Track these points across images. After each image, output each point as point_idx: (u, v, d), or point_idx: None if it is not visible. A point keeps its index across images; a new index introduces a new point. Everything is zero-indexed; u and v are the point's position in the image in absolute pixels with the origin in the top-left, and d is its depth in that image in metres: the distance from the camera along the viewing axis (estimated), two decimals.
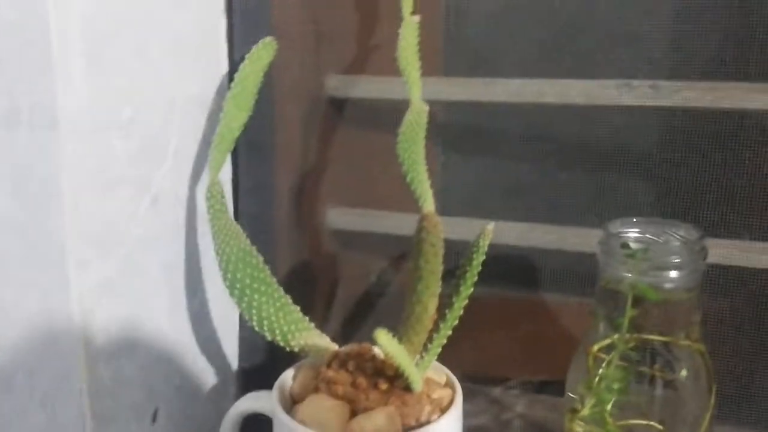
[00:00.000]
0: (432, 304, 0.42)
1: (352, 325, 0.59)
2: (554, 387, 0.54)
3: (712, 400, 0.40)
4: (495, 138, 0.52)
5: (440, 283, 0.42)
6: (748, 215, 0.50)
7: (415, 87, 0.46)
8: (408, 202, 0.57)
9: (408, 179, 0.44)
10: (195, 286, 0.53)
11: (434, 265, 0.42)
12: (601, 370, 0.41)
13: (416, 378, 0.41)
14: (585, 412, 0.41)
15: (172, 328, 0.50)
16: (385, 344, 0.38)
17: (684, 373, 0.40)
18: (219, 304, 0.56)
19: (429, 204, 0.45)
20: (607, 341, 0.42)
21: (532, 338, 0.53)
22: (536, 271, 0.53)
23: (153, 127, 0.47)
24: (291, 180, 0.57)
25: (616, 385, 0.40)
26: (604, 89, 0.49)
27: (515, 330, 0.54)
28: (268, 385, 0.49)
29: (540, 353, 0.53)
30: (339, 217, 0.58)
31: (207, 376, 0.56)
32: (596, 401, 0.41)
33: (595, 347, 0.42)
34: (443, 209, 0.57)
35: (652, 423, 0.41)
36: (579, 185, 0.51)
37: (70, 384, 0.43)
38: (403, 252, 0.57)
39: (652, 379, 0.41)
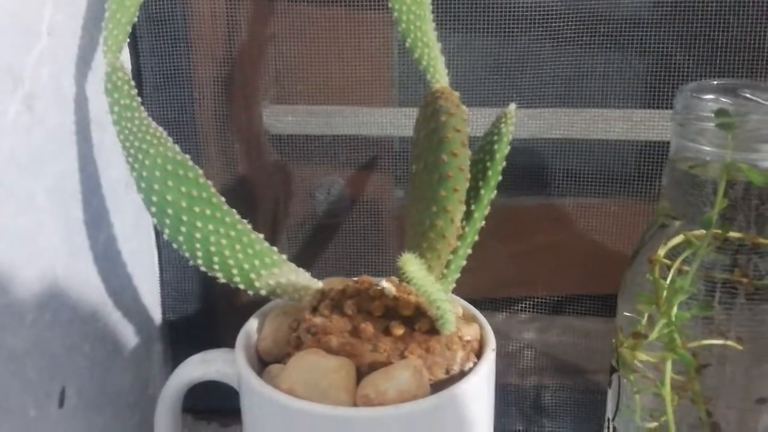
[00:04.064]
0: (459, 214, 0.30)
1: (308, 258, 0.46)
2: (573, 306, 0.44)
3: None
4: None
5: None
6: None
7: None
8: (364, 93, 0.44)
9: (407, 43, 0.32)
10: (98, 217, 0.40)
11: (462, 158, 0.30)
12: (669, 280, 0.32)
13: (450, 317, 0.30)
14: (653, 335, 0.32)
15: (71, 277, 0.37)
16: (415, 275, 0.27)
17: None
18: (131, 239, 0.43)
19: (441, 76, 0.32)
20: (675, 242, 0.33)
21: (541, 249, 0.43)
22: (539, 167, 0.43)
23: None
24: (214, 68, 0.43)
25: (696, 299, 0.31)
26: None
27: (518, 241, 0.44)
28: (204, 342, 0.37)
29: (553, 267, 0.44)
30: (281, 117, 0.45)
31: (124, 335, 0.42)
32: (667, 321, 0.32)
33: (662, 252, 0.33)
34: (412, 99, 0.45)
35: (729, 343, 0.33)
36: (587, 54, 0.40)
37: None
38: (371, 157, 0.45)
39: (732, 289, 0.33)
